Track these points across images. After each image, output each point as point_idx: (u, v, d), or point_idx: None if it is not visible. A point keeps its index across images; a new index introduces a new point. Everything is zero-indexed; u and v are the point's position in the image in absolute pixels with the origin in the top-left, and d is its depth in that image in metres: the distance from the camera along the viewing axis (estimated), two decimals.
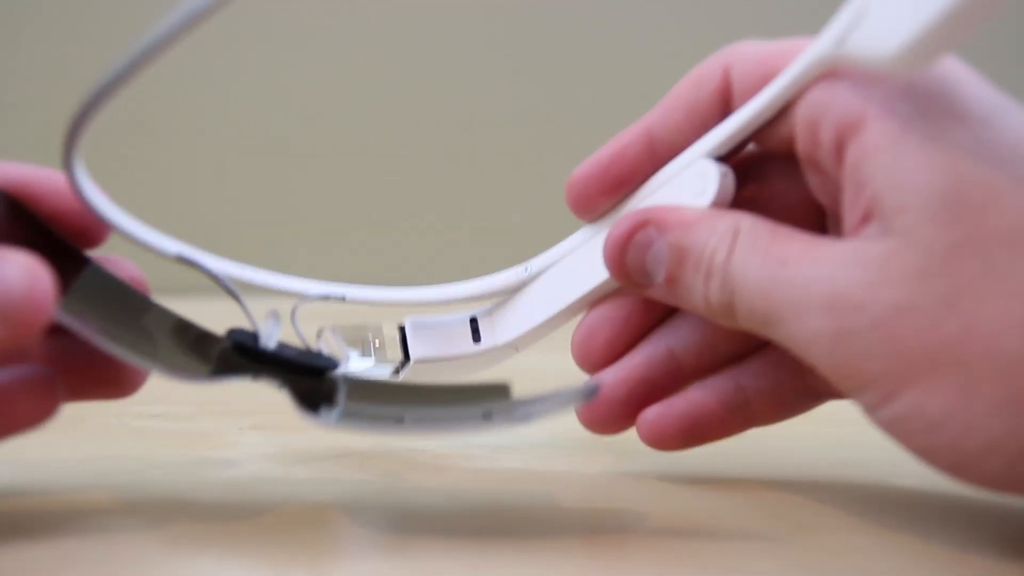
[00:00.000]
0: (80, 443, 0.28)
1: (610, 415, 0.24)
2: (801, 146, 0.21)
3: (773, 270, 0.19)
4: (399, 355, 0.26)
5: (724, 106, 0.22)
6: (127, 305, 0.22)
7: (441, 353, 0.26)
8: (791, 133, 0.21)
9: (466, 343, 0.26)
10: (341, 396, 0.22)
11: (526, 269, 0.25)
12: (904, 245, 0.18)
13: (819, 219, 0.22)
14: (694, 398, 0.23)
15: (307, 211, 0.76)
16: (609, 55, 0.84)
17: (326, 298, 0.26)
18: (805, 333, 0.19)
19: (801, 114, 0.20)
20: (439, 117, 0.81)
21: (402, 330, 0.26)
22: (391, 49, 0.81)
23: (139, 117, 0.73)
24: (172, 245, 0.24)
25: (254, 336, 0.23)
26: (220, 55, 0.77)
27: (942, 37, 0.17)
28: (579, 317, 0.25)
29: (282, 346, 0.23)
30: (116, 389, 0.23)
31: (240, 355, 0.23)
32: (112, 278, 0.22)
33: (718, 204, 0.22)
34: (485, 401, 0.22)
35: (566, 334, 0.25)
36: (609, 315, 0.24)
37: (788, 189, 0.22)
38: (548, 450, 0.28)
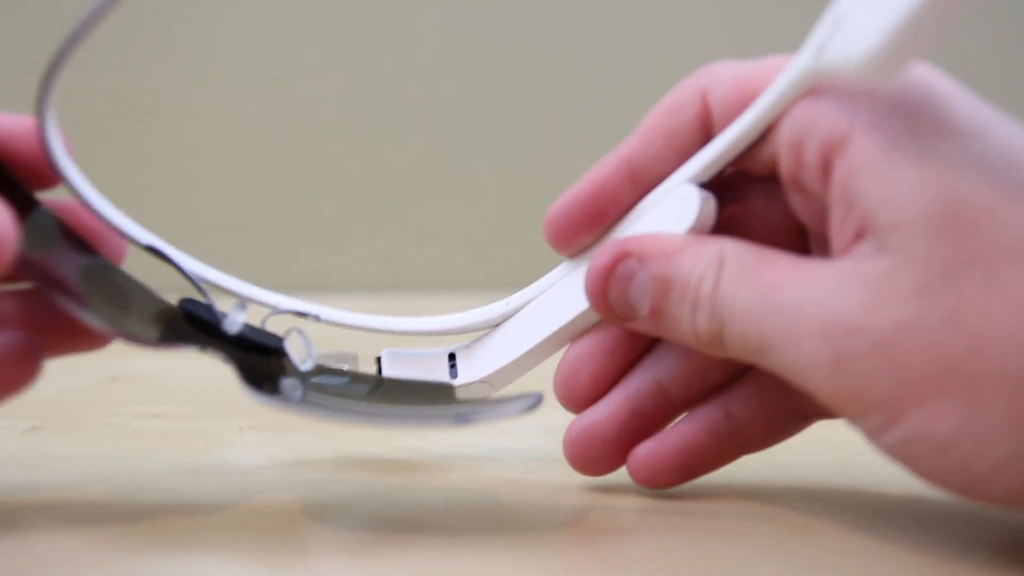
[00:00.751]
0: (80, 443, 0.28)
1: (602, 455, 0.23)
2: (784, 166, 0.20)
3: (764, 296, 0.19)
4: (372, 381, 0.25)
5: (704, 131, 0.22)
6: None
7: (415, 383, 0.25)
8: (773, 154, 0.20)
9: (443, 378, 0.25)
10: (300, 379, 0.23)
11: (507, 303, 0.24)
12: (901, 263, 0.17)
13: (802, 240, 0.22)
14: (684, 431, 0.23)
15: (302, 213, 0.76)
16: (616, 56, 0.84)
17: (300, 314, 0.25)
18: (801, 360, 0.18)
19: (784, 134, 0.20)
20: (437, 117, 0.81)
21: (378, 360, 0.25)
22: (392, 48, 0.81)
23: (130, 114, 0.73)
24: (145, 235, 0.23)
25: (208, 309, 0.23)
26: (219, 50, 0.77)
27: (909, 41, 0.17)
28: (560, 353, 0.24)
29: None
30: (90, 342, 0.23)
31: (190, 325, 0.22)
32: (59, 222, 0.22)
33: (699, 229, 0.21)
34: (435, 401, 0.23)
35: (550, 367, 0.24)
36: (591, 350, 0.23)
37: (769, 210, 0.22)
38: (548, 451, 0.28)
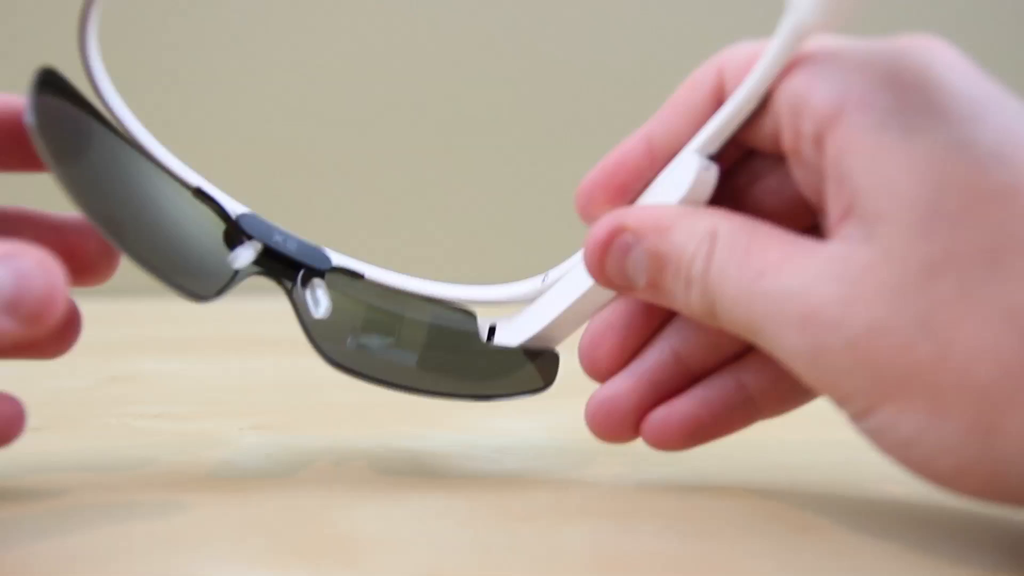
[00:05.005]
0: (80, 443, 0.28)
1: (621, 426, 0.24)
2: (785, 138, 0.20)
3: (751, 282, 0.19)
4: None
5: (718, 106, 0.22)
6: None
7: (449, 344, 0.26)
8: (777, 127, 0.21)
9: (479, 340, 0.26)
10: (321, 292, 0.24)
11: (544, 279, 0.25)
12: (880, 259, 0.18)
13: (810, 217, 0.22)
14: (696, 399, 0.23)
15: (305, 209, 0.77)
16: (626, 50, 0.84)
17: (345, 272, 0.26)
18: (785, 347, 0.19)
19: (782, 104, 0.20)
20: (438, 115, 0.81)
21: (491, 328, 0.26)
22: (397, 47, 0.81)
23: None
24: (193, 176, 0.24)
25: (262, 222, 0.24)
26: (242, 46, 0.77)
27: None
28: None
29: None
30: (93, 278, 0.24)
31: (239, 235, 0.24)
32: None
33: (695, 198, 0.21)
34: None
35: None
36: (611, 322, 0.24)
37: (779, 187, 0.22)
38: (548, 451, 0.28)
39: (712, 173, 0.22)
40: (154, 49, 0.75)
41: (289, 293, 0.24)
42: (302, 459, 0.27)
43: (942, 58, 0.19)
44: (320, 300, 0.24)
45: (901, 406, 0.17)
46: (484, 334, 0.26)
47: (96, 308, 0.72)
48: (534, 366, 0.26)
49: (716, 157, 0.22)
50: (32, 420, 0.31)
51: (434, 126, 0.82)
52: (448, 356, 0.26)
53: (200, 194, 0.25)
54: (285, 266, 0.24)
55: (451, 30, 0.82)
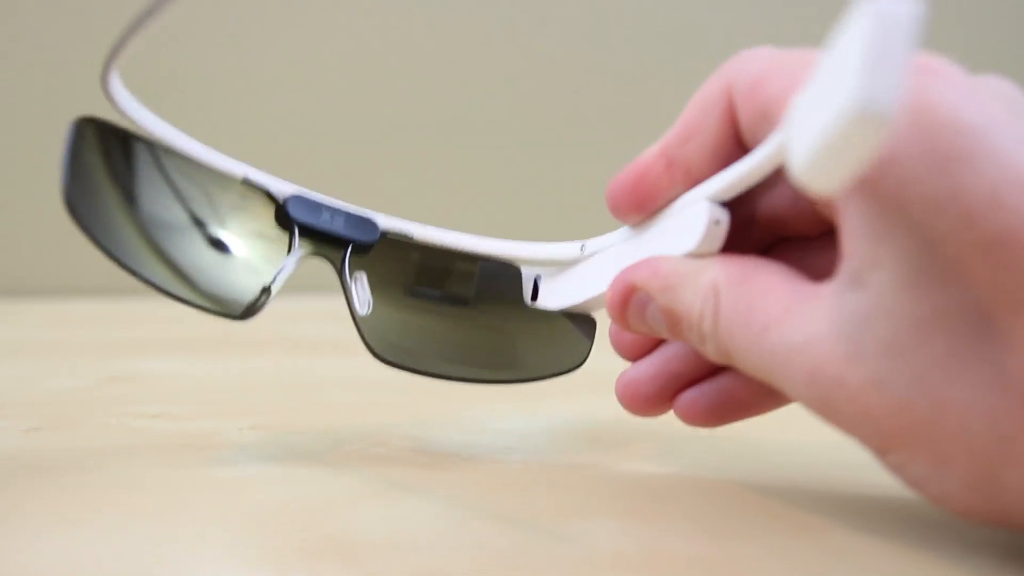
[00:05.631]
0: (80, 443, 0.28)
1: (646, 407, 0.25)
2: None
3: (757, 337, 0.19)
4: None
5: (732, 128, 0.22)
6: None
7: (499, 297, 0.28)
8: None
9: (525, 297, 0.28)
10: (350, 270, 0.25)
11: (582, 248, 0.26)
12: (875, 312, 0.18)
13: (827, 222, 0.22)
14: (723, 384, 0.24)
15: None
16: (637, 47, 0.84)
17: (395, 234, 0.27)
18: (797, 397, 0.19)
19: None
20: (441, 113, 0.81)
21: (535, 282, 0.28)
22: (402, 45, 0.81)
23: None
24: (237, 167, 0.25)
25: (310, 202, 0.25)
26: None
27: (831, 165, 0.15)
28: None
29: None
30: None
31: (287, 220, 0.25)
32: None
33: (705, 250, 0.22)
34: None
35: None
36: None
37: (795, 196, 0.22)
38: (549, 451, 0.28)
39: (723, 227, 0.22)
40: (170, 43, 0.75)
41: (339, 273, 0.25)
42: (302, 459, 0.27)
43: (947, 90, 0.17)
44: (363, 297, 0.25)
45: (906, 455, 0.18)
46: (529, 289, 0.28)
47: (96, 308, 0.73)
48: (574, 333, 0.28)
49: (728, 203, 0.22)
50: (32, 420, 0.31)
51: (425, 126, 0.82)
52: (492, 331, 0.28)
53: (247, 184, 0.25)
54: (335, 243, 0.26)
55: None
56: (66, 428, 0.30)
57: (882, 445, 0.18)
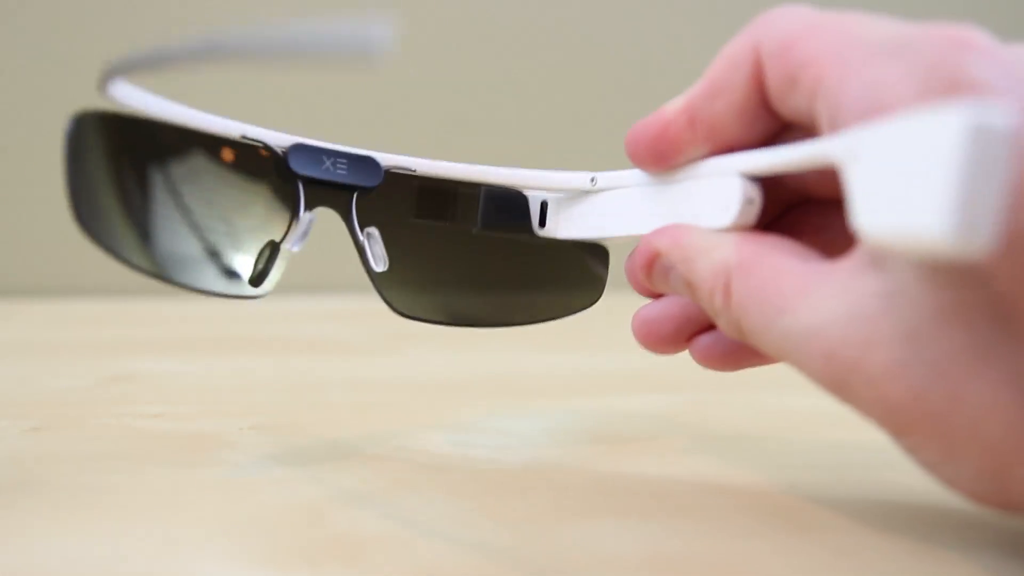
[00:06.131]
0: (80, 443, 0.28)
1: (661, 345, 0.25)
2: (822, 124, 0.20)
3: (772, 319, 0.19)
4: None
5: (759, 87, 0.21)
6: None
7: (506, 223, 0.28)
8: (811, 109, 0.20)
9: (532, 223, 0.28)
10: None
11: (592, 180, 0.26)
12: (894, 297, 0.17)
13: None
14: None
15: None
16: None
17: (396, 171, 0.26)
18: (813, 377, 0.19)
19: (816, 93, 0.20)
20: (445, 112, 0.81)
21: (543, 205, 0.28)
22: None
23: None
24: (235, 126, 0.25)
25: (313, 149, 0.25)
26: None
27: (898, 249, 0.16)
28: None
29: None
30: None
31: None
32: None
33: (736, 227, 0.22)
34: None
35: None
36: None
37: (824, 177, 0.22)
38: (548, 450, 0.28)
39: (756, 205, 0.22)
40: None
41: (347, 222, 0.25)
42: (302, 459, 0.27)
43: (976, 63, 0.17)
44: (379, 254, 0.25)
45: (920, 441, 0.18)
46: (536, 214, 0.27)
47: (96, 308, 0.73)
48: (588, 266, 0.28)
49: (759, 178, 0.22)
50: (32, 420, 0.31)
51: (429, 124, 0.82)
52: (505, 268, 0.28)
53: (247, 140, 0.25)
54: (338, 189, 0.25)
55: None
56: (66, 428, 0.30)
57: (897, 429, 0.18)
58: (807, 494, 0.24)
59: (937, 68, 0.17)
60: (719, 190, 0.22)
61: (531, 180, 0.27)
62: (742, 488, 0.24)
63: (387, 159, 0.26)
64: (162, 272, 0.23)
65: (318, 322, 0.57)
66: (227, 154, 0.25)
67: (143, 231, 0.23)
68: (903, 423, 0.18)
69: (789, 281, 0.19)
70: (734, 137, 0.22)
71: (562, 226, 0.27)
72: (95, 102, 0.24)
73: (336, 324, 0.53)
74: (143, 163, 0.24)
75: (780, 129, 0.22)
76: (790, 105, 0.21)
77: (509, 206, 0.28)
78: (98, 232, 0.22)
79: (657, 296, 0.25)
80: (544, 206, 0.28)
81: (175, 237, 0.24)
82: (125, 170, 0.23)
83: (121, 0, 0.75)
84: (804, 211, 0.23)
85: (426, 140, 0.78)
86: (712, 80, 0.22)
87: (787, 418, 0.24)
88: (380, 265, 0.25)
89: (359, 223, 0.25)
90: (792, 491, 0.24)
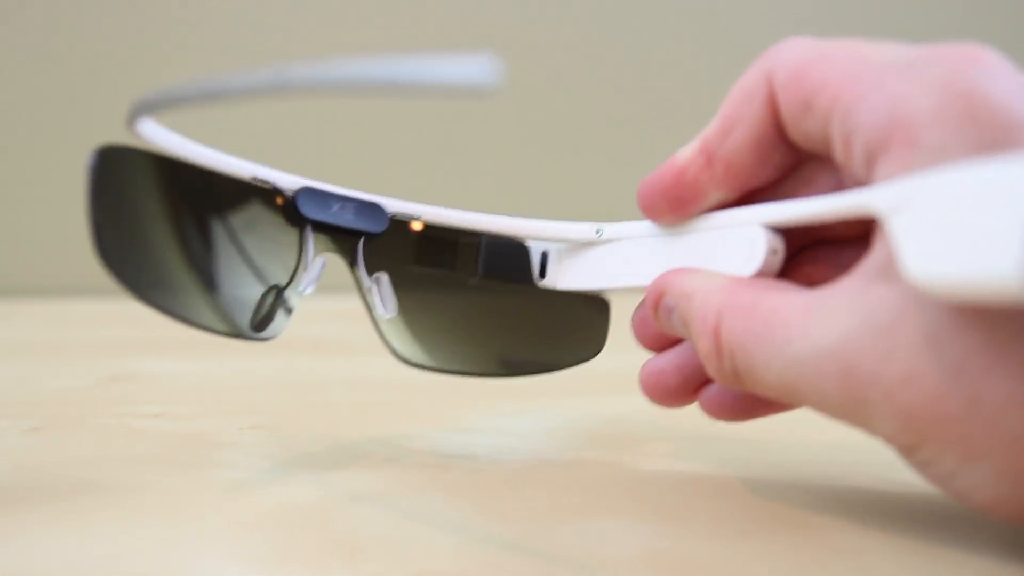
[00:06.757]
0: (80, 443, 0.28)
1: (669, 398, 0.25)
2: (836, 148, 0.20)
3: (779, 350, 0.19)
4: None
5: (774, 118, 0.21)
6: None
7: (506, 274, 0.28)
8: (827, 132, 0.20)
9: (533, 274, 0.27)
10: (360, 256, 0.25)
11: (598, 232, 0.26)
12: (910, 306, 0.17)
13: (863, 223, 0.21)
14: None
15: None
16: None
17: (401, 218, 0.26)
18: (826, 402, 0.19)
19: (833, 113, 0.20)
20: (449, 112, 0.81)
21: (543, 256, 0.27)
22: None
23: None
24: (247, 167, 0.25)
25: (319, 193, 0.25)
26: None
27: (958, 296, 0.16)
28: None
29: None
30: None
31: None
32: None
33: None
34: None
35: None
36: None
37: (833, 191, 0.22)
38: (548, 451, 0.28)
39: (779, 256, 0.22)
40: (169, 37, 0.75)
41: (350, 264, 0.25)
42: (302, 459, 0.27)
43: (989, 80, 0.18)
44: (388, 299, 0.25)
45: (937, 448, 0.18)
46: (537, 265, 0.27)
47: (96, 308, 0.73)
48: (589, 319, 0.28)
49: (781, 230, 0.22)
50: (32, 420, 0.31)
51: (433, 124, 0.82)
52: (508, 320, 0.28)
53: (258, 182, 0.25)
54: (345, 235, 0.25)
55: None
56: (66, 428, 0.30)
57: (912, 441, 0.18)
58: (806, 494, 0.24)
59: (952, 82, 0.18)
60: (741, 240, 0.22)
61: (534, 230, 0.27)
62: (742, 488, 0.24)
63: (392, 205, 0.26)
64: (177, 311, 0.23)
65: (319, 322, 0.57)
66: (240, 196, 0.25)
67: (162, 269, 0.23)
68: (920, 432, 0.18)
69: (791, 311, 0.19)
70: (752, 174, 0.22)
71: (564, 277, 0.27)
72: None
73: (337, 324, 0.53)
74: (163, 201, 0.24)
75: (795, 163, 0.22)
76: (804, 130, 0.21)
77: (509, 256, 0.28)
78: (121, 269, 0.22)
79: (659, 348, 0.25)
80: (545, 257, 0.27)
81: (190, 276, 0.24)
82: (146, 207, 0.24)
83: (121, 1, 0.75)
84: (814, 252, 0.23)
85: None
86: (726, 115, 0.22)
87: (787, 418, 0.24)
88: (389, 311, 0.25)
89: (367, 268, 0.25)
90: (791, 491, 0.24)
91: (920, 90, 0.18)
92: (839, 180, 0.22)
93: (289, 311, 0.25)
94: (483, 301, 0.28)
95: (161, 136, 0.24)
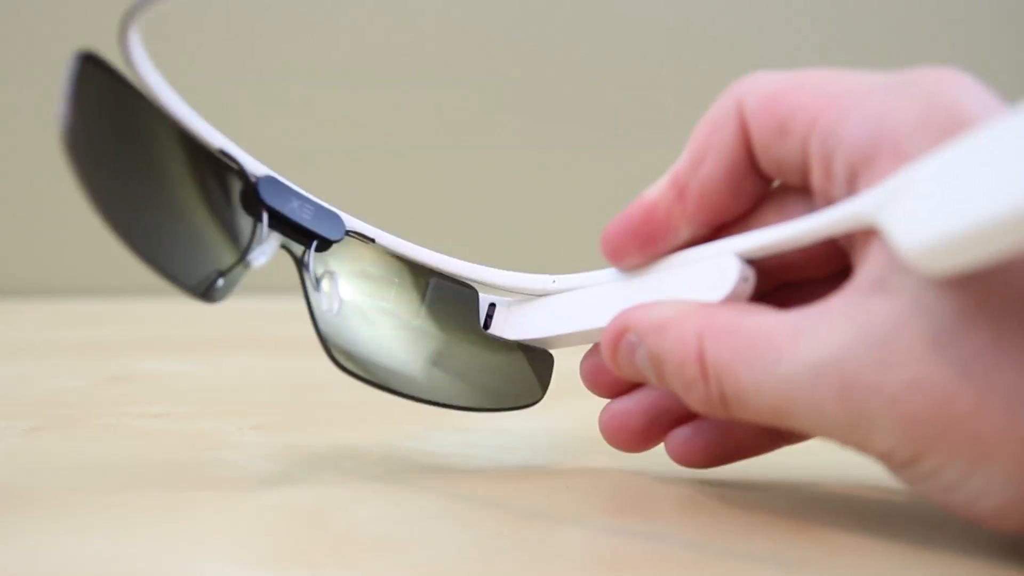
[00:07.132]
0: (80, 443, 0.28)
1: (633, 441, 0.24)
2: (815, 175, 0.20)
3: (771, 370, 0.19)
4: None
5: (745, 146, 0.21)
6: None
7: (450, 317, 0.27)
8: (805, 161, 0.20)
9: (477, 320, 0.27)
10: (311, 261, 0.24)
11: (553, 281, 0.25)
12: (909, 315, 0.17)
13: (838, 258, 0.21)
14: (721, 422, 0.23)
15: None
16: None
17: (356, 235, 0.26)
18: (822, 421, 0.18)
19: (812, 140, 0.20)
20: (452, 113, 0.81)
21: (491, 307, 0.27)
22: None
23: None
24: (217, 138, 0.24)
25: (282, 187, 0.24)
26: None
27: (967, 253, 0.16)
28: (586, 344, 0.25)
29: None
30: None
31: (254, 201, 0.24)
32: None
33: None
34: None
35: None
36: None
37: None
38: (549, 451, 0.28)
39: (750, 284, 0.21)
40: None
41: (299, 262, 0.25)
42: (302, 459, 0.27)
43: (968, 96, 0.18)
44: (334, 296, 0.25)
45: (942, 455, 0.17)
46: (483, 314, 0.27)
47: (96, 308, 0.73)
48: (530, 369, 0.26)
49: (752, 260, 0.21)
50: (32, 420, 0.31)
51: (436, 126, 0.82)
52: (446, 352, 0.27)
53: (224, 156, 0.24)
54: (299, 233, 0.25)
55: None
56: (66, 428, 0.30)
57: (916, 451, 0.18)
58: (806, 493, 0.24)
59: (935, 98, 0.18)
60: (710, 269, 0.21)
61: (487, 278, 0.26)
62: (741, 487, 0.24)
63: (352, 222, 0.26)
64: (132, 240, 0.21)
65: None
66: (203, 161, 0.24)
67: (123, 187, 0.22)
68: (925, 440, 0.17)
69: (776, 330, 0.19)
70: (724, 205, 0.22)
71: (510, 327, 0.26)
72: None
73: None
74: (134, 129, 0.23)
75: (764, 196, 0.22)
76: (776, 157, 0.21)
77: (456, 300, 0.27)
78: (84, 169, 0.20)
79: (615, 395, 0.24)
80: (492, 307, 0.27)
81: (152, 212, 0.23)
82: (119, 128, 0.22)
83: (123, 3, 0.75)
84: (783, 294, 0.23)
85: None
86: (696, 147, 0.22)
87: None
88: (334, 307, 0.24)
89: (315, 273, 0.25)
90: (791, 490, 0.24)
91: (905, 103, 0.18)
92: (811, 208, 0.21)
93: (233, 282, 0.23)
94: (422, 331, 0.27)
95: (145, 66, 0.23)
